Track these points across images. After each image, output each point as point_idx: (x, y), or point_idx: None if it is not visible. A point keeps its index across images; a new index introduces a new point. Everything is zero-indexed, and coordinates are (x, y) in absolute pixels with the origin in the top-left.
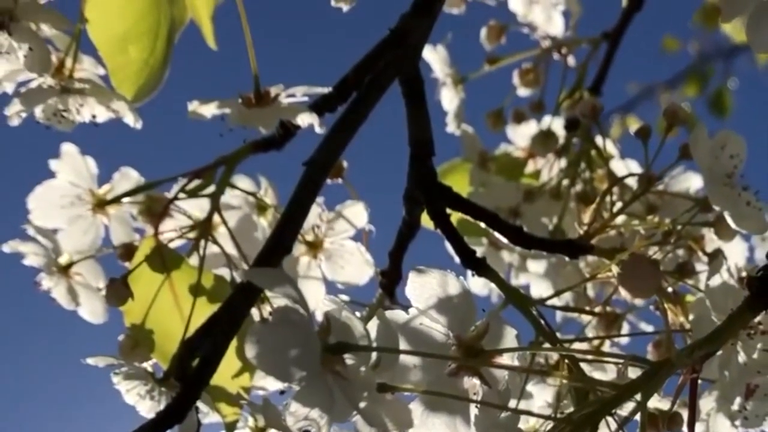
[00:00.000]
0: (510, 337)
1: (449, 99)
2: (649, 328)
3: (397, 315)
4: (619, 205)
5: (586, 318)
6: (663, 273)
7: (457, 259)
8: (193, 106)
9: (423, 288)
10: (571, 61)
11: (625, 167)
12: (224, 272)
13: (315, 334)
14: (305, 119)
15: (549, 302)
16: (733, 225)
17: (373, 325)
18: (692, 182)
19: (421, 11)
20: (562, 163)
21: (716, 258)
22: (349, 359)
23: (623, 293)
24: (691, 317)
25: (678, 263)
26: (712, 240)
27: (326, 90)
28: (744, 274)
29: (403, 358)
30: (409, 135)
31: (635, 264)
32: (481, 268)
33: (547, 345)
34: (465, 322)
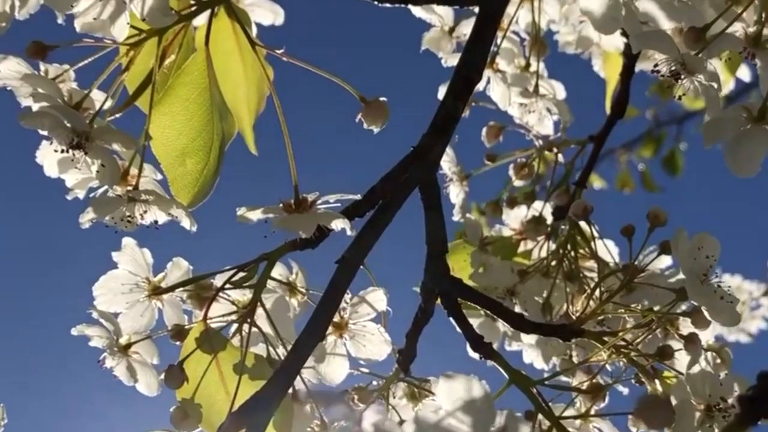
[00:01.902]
0: None
1: (455, 193)
2: (625, 390)
3: (428, 416)
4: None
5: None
6: (647, 356)
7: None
8: (241, 211)
9: (450, 392)
10: (560, 158)
11: (605, 246)
12: (261, 348)
13: None
14: (338, 224)
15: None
16: (708, 318)
17: (408, 425)
18: (664, 262)
19: (438, 131)
20: (551, 244)
21: (693, 343)
22: None
23: (641, 425)
24: (673, 401)
25: (658, 347)
26: (686, 321)
27: (356, 197)
28: (720, 361)
29: None
30: (427, 234)
31: (652, 404)
32: (487, 352)
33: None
34: (486, 422)
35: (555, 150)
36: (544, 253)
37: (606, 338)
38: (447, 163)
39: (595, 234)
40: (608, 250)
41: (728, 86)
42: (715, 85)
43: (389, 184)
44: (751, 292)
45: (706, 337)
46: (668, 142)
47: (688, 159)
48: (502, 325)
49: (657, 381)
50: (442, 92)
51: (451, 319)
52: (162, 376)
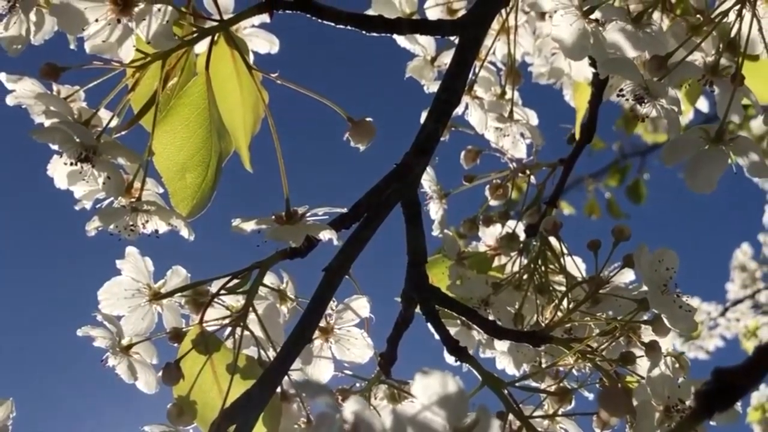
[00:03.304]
0: (495, 427)
1: (435, 210)
2: (591, 396)
3: (406, 409)
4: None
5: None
6: (610, 361)
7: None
8: (236, 222)
9: (426, 387)
10: (533, 180)
11: (573, 262)
12: (252, 350)
13: None
14: (326, 235)
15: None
16: (668, 325)
17: (387, 416)
18: (627, 276)
19: (420, 150)
20: (523, 260)
21: (654, 350)
22: None
23: (603, 414)
24: (635, 402)
25: (621, 353)
26: (647, 329)
27: (343, 210)
28: (679, 366)
29: None
30: (408, 246)
31: (613, 394)
32: (463, 355)
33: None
34: (459, 415)
35: (528, 172)
36: (516, 268)
37: (573, 344)
38: (427, 182)
39: (564, 250)
40: (576, 266)
41: (688, 116)
42: (676, 109)
43: (373, 198)
44: (710, 312)
45: (666, 344)
46: (632, 172)
47: (651, 188)
48: (476, 334)
49: (619, 385)
50: (424, 116)
51: (429, 324)
52: (160, 374)
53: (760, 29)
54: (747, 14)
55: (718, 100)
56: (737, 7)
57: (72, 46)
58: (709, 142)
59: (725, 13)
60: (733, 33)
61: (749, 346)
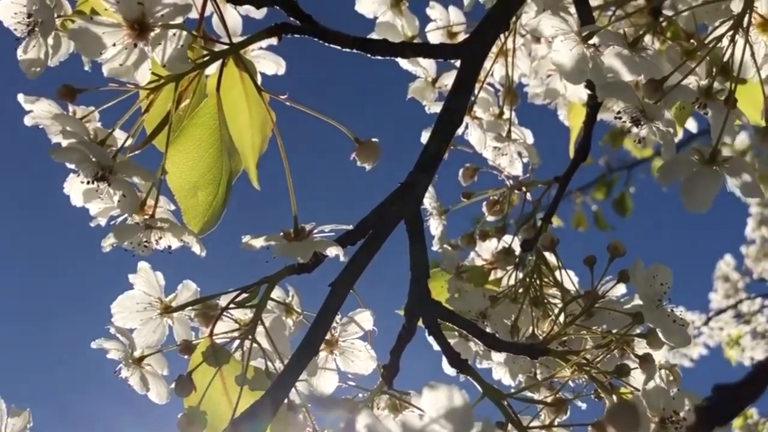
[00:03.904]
0: None
1: (435, 226)
2: (584, 405)
3: (414, 421)
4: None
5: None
6: (605, 373)
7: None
8: (246, 239)
9: (434, 400)
10: (528, 196)
11: (567, 276)
12: (260, 362)
13: None
14: (333, 251)
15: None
16: (663, 339)
17: (396, 429)
18: (620, 290)
19: (423, 169)
20: (519, 273)
21: (648, 362)
22: None
23: (610, 429)
24: None
25: (616, 365)
26: (641, 342)
27: (349, 227)
28: (672, 378)
29: None
30: (411, 261)
31: (622, 410)
32: (464, 368)
33: None
34: (465, 428)
35: (524, 189)
36: (512, 281)
37: (569, 357)
38: (428, 199)
39: (559, 265)
40: (570, 279)
41: (677, 136)
42: (672, 130)
43: (378, 216)
44: (694, 321)
45: (658, 357)
46: (619, 186)
47: (636, 201)
48: (473, 345)
49: (614, 396)
50: (424, 136)
51: (430, 337)
52: (173, 385)
53: (753, 54)
54: (740, 40)
55: (712, 122)
56: (730, 33)
57: (86, 68)
58: (703, 163)
59: (719, 39)
60: (725, 57)
61: (732, 354)
